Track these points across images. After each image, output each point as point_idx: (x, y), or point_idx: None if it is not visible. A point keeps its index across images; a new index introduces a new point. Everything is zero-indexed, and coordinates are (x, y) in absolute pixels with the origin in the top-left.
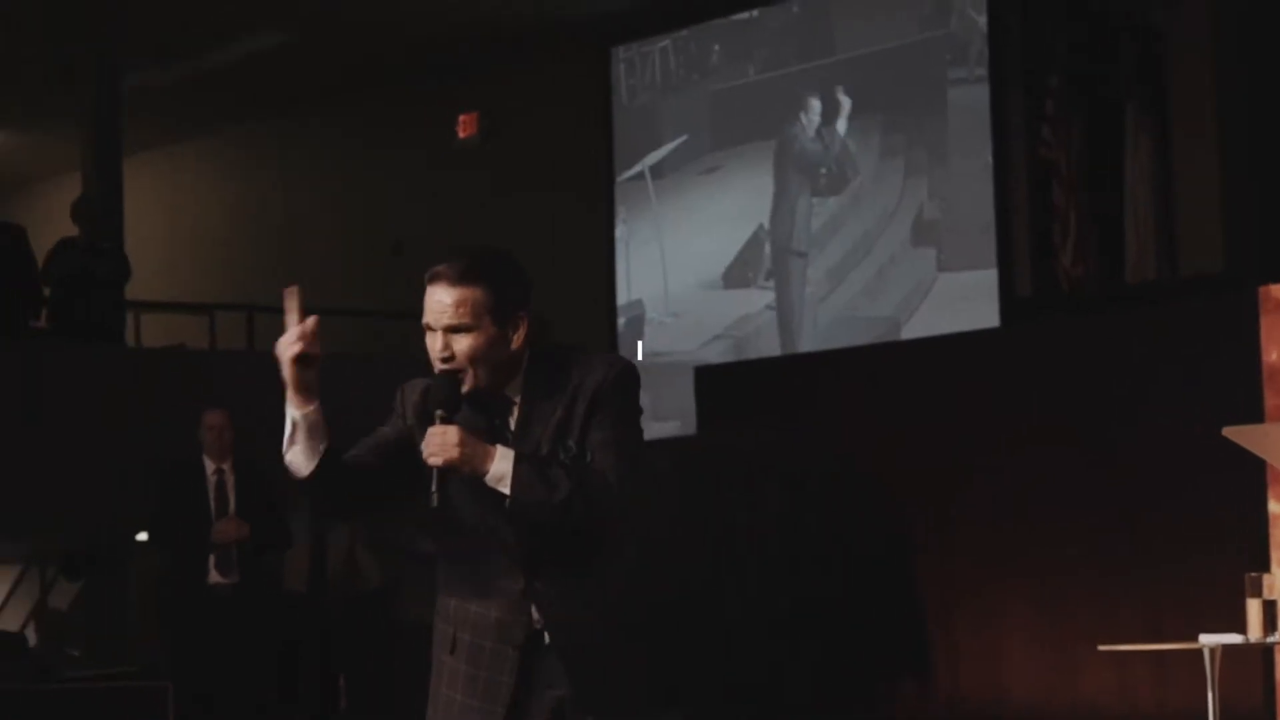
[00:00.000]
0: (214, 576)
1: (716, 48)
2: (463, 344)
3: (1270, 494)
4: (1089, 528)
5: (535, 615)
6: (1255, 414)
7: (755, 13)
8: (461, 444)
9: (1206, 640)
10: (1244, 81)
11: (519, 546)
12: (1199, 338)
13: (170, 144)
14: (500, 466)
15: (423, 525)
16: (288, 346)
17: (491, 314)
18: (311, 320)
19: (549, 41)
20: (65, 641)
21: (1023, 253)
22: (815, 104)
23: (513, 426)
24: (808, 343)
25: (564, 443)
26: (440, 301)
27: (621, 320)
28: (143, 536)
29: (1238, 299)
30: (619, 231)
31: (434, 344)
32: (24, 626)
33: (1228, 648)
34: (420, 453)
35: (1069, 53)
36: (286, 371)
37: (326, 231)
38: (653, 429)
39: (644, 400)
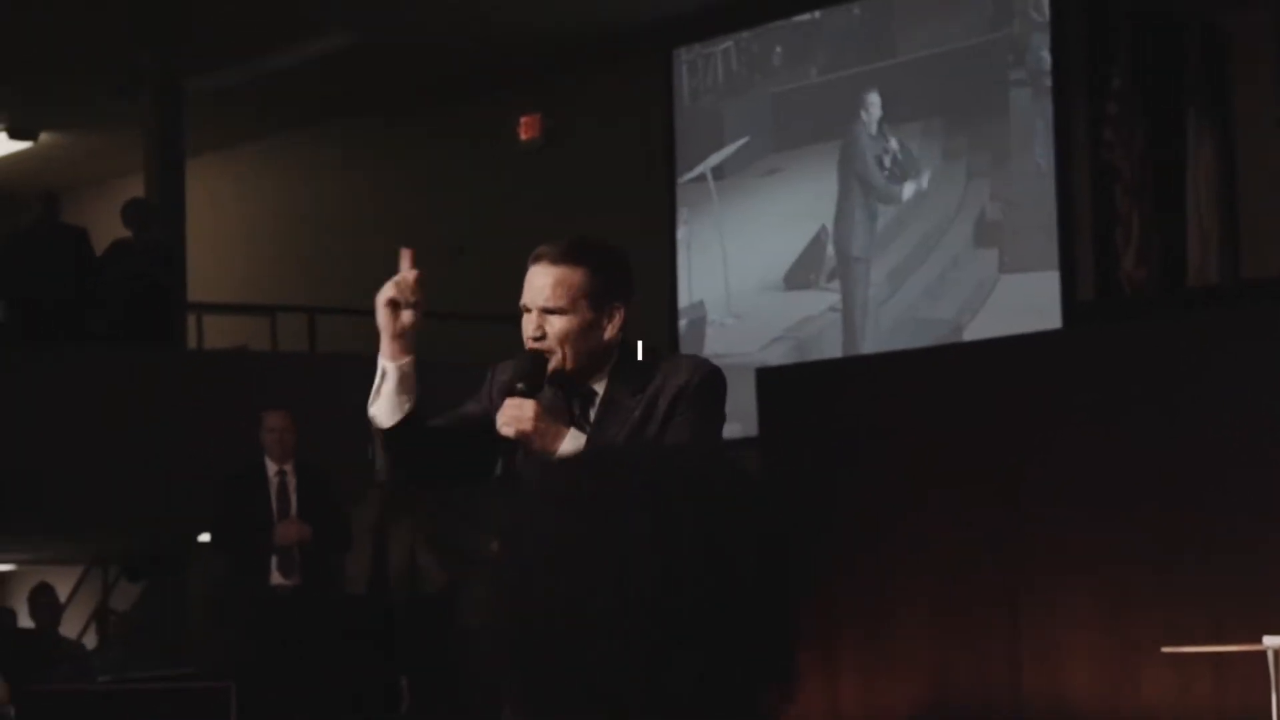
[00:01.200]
0: (275, 578)
1: (778, 49)
2: (556, 325)
3: None
4: (1150, 530)
5: None
6: None
7: (817, 14)
8: (536, 418)
9: (1270, 642)
10: None
11: None
12: (1261, 340)
13: (232, 146)
14: (569, 447)
15: (488, 527)
16: (382, 291)
17: (589, 298)
18: (411, 273)
19: (611, 44)
20: (127, 642)
21: (1085, 255)
22: (877, 106)
23: (591, 418)
24: (870, 344)
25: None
26: (539, 281)
27: (683, 322)
28: (205, 538)
29: None
30: (680, 233)
31: (528, 324)
32: (86, 628)
33: None
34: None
35: (1132, 54)
36: (381, 317)
37: (388, 234)
38: None
39: None
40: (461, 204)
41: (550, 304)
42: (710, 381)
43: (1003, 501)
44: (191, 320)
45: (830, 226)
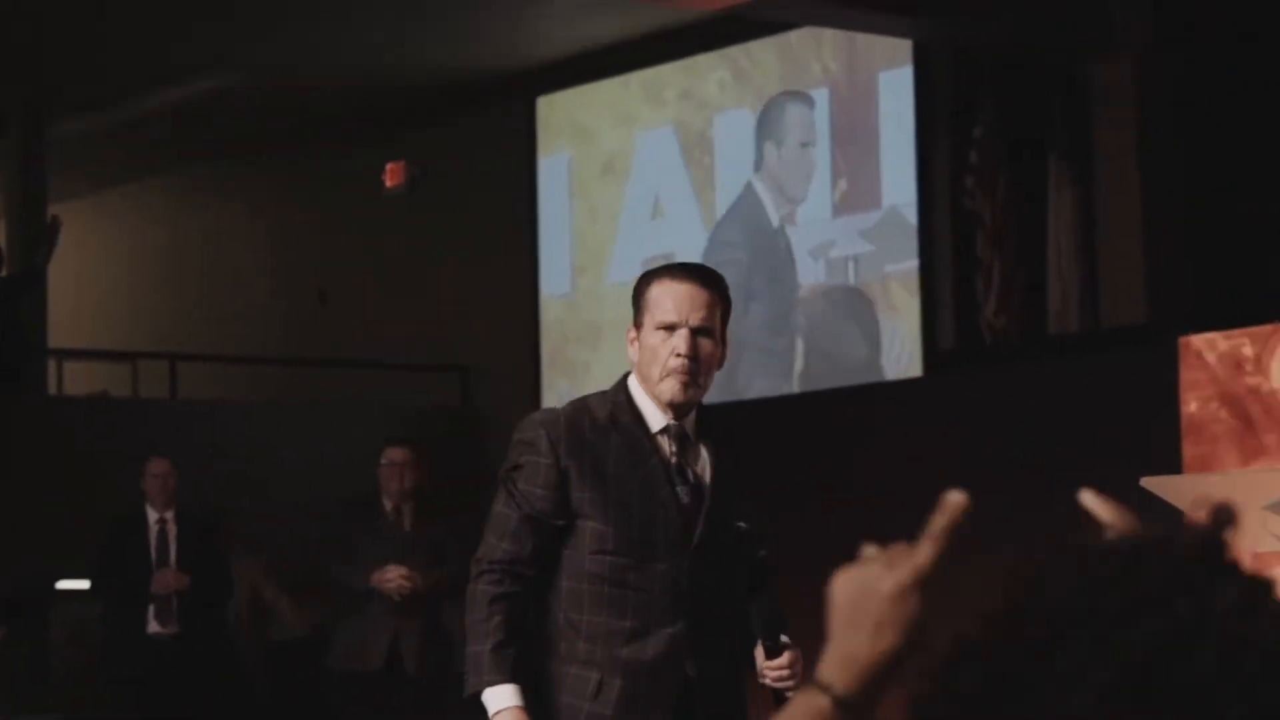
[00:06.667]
0: (153, 626)
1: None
2: (707, 348)
3: None
4: None
5: (687, 657)
6: (1174, 465)
7: (676, 64)
8: (792, 665)
9: None
10: (1168, 132)
11: (690, 592)
12: (1119, 389)
13: (94, 192)
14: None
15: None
16: None
17: (721, 325)
18: None
19: (476, 91)
20: None
21: (946, 304)
22: (752, 144)
23: (705, 479)
24: (735, 392)
25: (737, 521)
26: (695, 298)
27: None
28: (66, 585)
29: (1158, 350)
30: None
31: (676, 343)
32: None
33: None
34: (573, 490)
35: (994, 103)
36: None
37: (252, 280)
38: None
39: None
40: (327, 250)
41: (704, 323)
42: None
43: (859, 546)
44: (52, 366)
45: None
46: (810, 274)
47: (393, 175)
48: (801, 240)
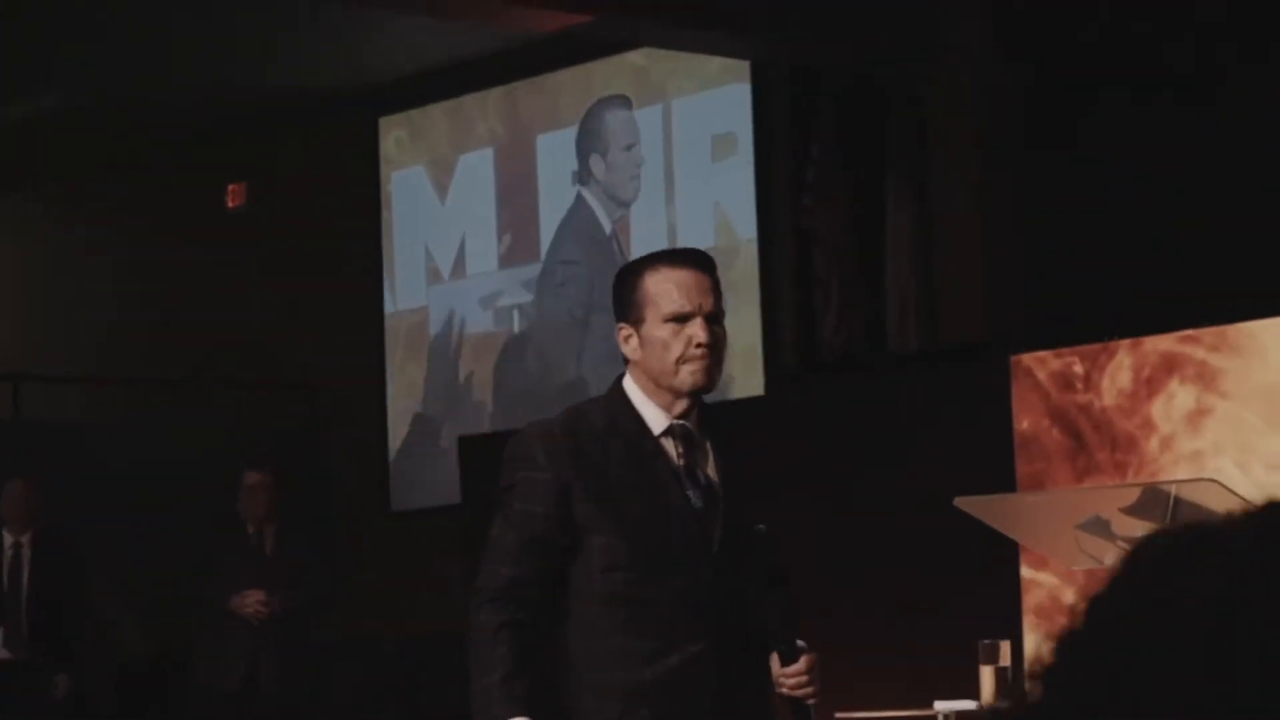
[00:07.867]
0: (2, 653)
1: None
2: (721, 335)
3: (1022, 559)
4: (845, 593)
5: (714, 673)
6: (1008, 482)
7: (519, 84)
8: (811, 669)
9: (941, 707)
10: (1005, 152)
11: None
12: (955, 406)
13: None
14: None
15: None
16: None
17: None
18: None
19: (318, 111)
20: None
21: (787, 321)
22: (601, 169)
23: (714, 475)
24: None
25: (754, 523)
26: (701, 284)
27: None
28: None
29: (991, 367)
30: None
31: (694, 333)
32: None
33: (962, 714)
34: (577, 504)
35: (833, 122)
36: None
37: (97, 300)
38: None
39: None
40: (172, 270)
41: (717, 308)
42: None
43: None
44: None
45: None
46: (479, 323)
47: (234, 195)
48: (471, 290)
